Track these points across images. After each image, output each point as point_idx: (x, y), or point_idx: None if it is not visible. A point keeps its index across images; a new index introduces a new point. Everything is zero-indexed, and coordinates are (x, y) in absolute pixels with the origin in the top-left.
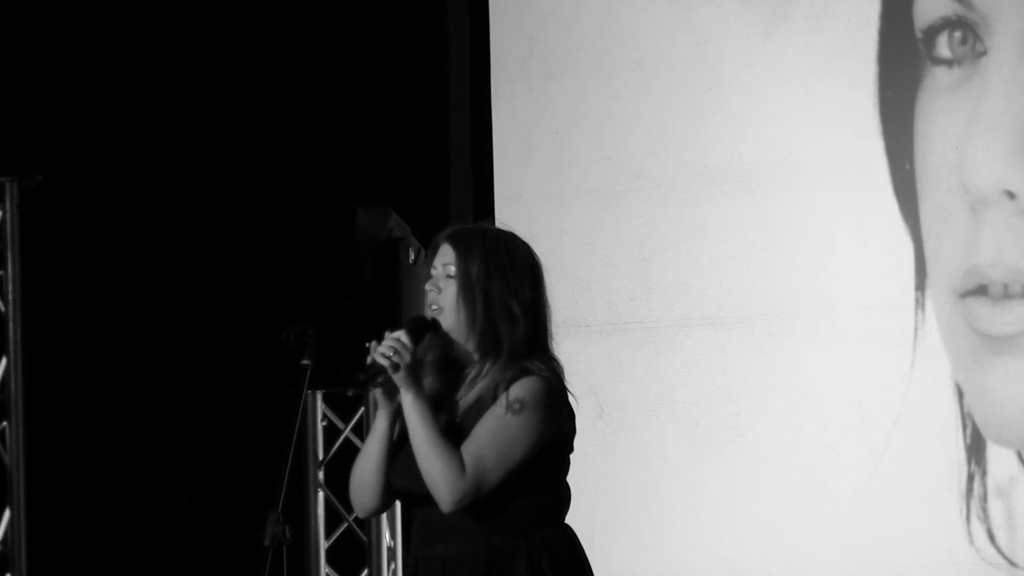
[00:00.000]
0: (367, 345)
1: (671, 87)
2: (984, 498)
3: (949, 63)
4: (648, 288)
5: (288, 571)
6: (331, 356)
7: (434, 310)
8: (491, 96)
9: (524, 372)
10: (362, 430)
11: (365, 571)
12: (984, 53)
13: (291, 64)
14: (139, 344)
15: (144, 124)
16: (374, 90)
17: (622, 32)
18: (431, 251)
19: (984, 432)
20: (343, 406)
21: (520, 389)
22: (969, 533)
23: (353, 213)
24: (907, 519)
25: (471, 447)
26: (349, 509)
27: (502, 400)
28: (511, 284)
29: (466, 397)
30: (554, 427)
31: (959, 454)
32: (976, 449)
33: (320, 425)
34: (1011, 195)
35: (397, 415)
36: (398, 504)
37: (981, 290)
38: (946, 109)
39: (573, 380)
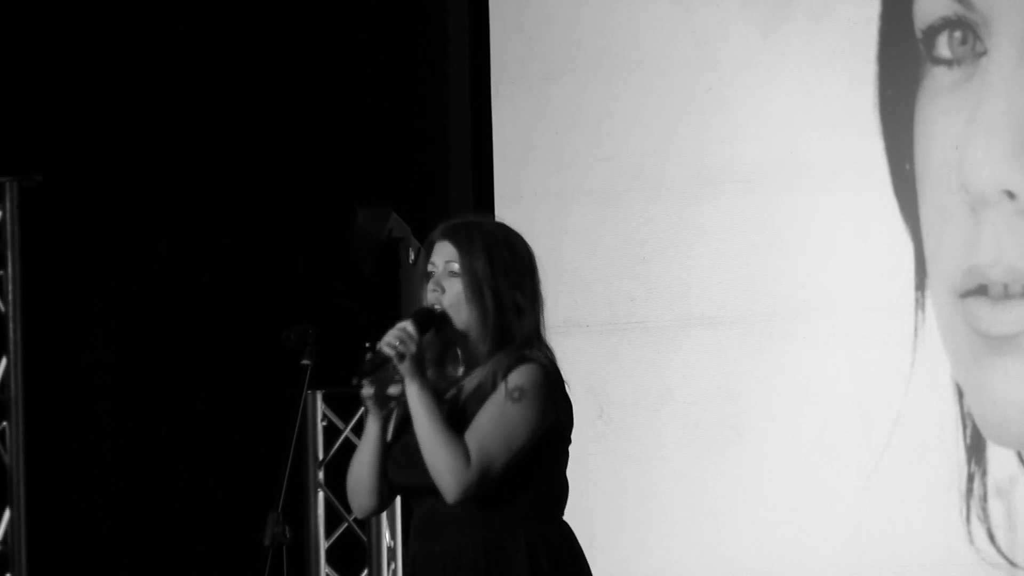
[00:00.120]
0: (367, 345)
1: (671, 87)
2: (984, 498)
3: (949, 63)
4: (648, 288)
5: (288, 571)
6: (331, 356)
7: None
8: (491, 96)
9: (522, 360)
10: (362, 430)
11: (365, 571)
12: (984, 53)
13: (291, 64)
14: (139, 344)
15: (144, 124)
16: (374, 90)
17: (622, 32)
18: (426, 248)
19: (984, 432)
20: (343, 406)
21: (519, 377)
22: (969, 533)
23: (353, 213)
24: (907, 519)
25: (474, 436)
26: (349, 509)
27: (501, 388)
28: (514, 277)
29: (466, 387)
30: (553, 414)
31: (959, 454)
32: (976, 449)
33: (320, 425)
34: (1011, 195)
35: (387, 419)
36: (398, 504)
37: (981, 290)
38: (946, 109)
39: (573, 380)
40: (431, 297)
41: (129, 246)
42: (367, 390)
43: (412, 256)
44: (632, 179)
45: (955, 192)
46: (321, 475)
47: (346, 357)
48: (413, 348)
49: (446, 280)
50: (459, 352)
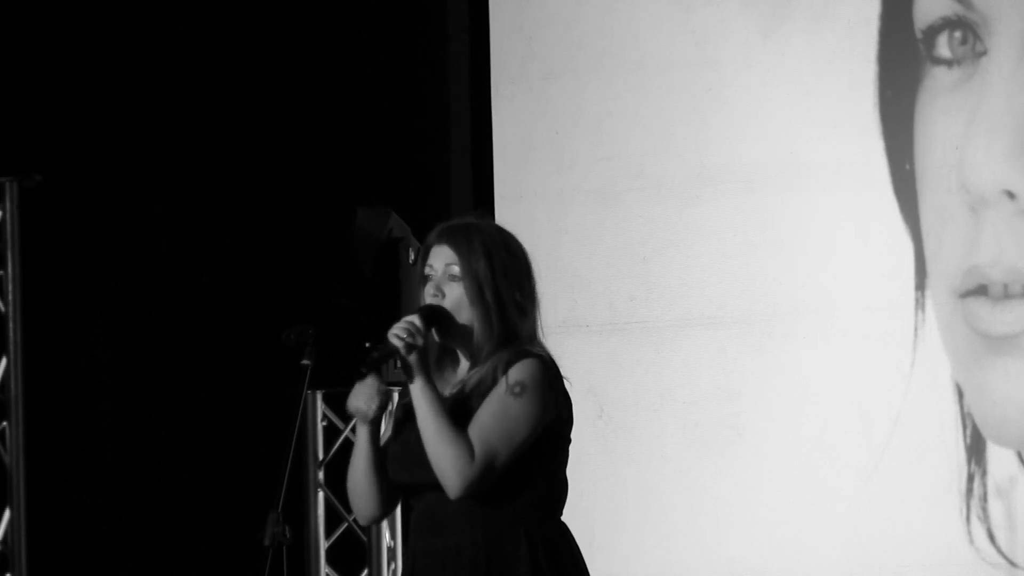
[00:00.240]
0: (367, 345)
1: (671, 87)
2: (984, 498)
3: (949, 63)
4: (648, 288)
5: (288, 571)
6: (331, 356)
7: None
8: (491, 96)
9: (522, 355)
10: None
11: (365, 571)
12: (984, 53)
13: (291, 64)
14: (139, 344)
15: (144, 124)
16: (374, 90)
17: (622, 32)
18: (424, 252)
19: (984, 432)
20: (343, 406)
21: (519, 372)
22: (969, 533)
23: (353, 213)
24: (907, 519)
25: (476, 431)
26: (349, 509)
27: (502, 383)
28: (513, 277)
29: (467, 384)
30: (554, 410)
31: (959, 454)
32: (976, 449)
33: (320, 425)
34: (1011, 195)
35: (376, 424)
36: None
37: (981, 290)
38: (946, 109)
39: (573, 380)
40: (431, 301)
41: (129, 246)
42: (356, 400)
43: (412, 256)
44: (632, 179)
45: (955, 192)
46: (321, 475)
47: (346, 357)
48: (421, 341)
49: (446, 284)
50: (459, 354)
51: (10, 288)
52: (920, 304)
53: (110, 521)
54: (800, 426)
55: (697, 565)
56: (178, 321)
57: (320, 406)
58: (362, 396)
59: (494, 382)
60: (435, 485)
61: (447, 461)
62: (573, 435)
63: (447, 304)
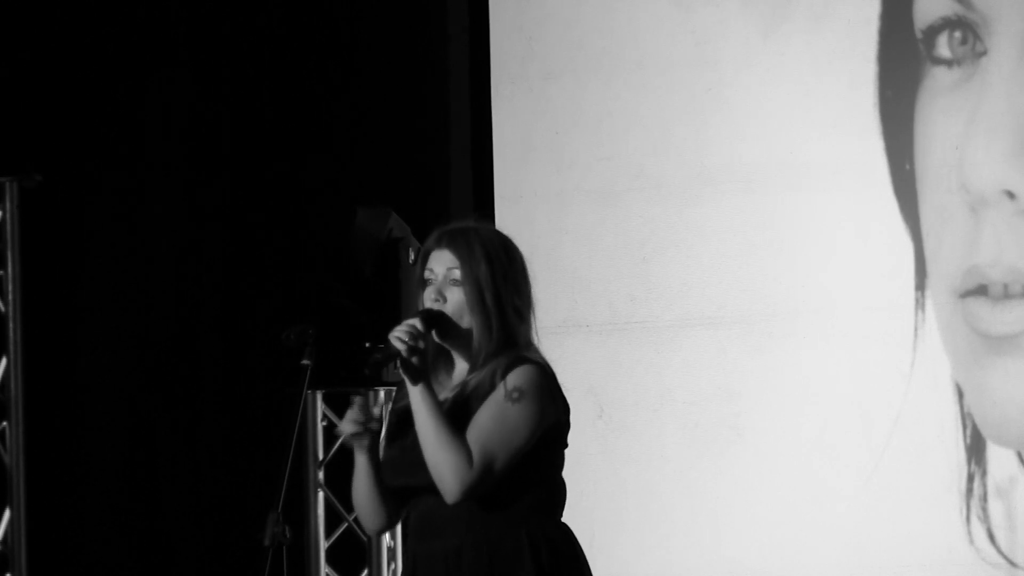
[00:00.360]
0: (367, 345)
1: (671, 87)
2: (984, 498)
3: (949, 63)
4: (648, 288)
5: (288, 571)
6: (331, 356)
7: None
8: (491, 96)
9: (519, 361)
10: None
11: (365, 571)
12: (984, 53)
13: (291, 64)
14: (139, 344)
15: (144, 124)
16: (374, 90)
17: (622, 32)
18: (423, 256)
19: (984, 432)
20: (343, 406)
21: (517, 377)
22: (969, 533)
23: (353, 213)
24: (907, 519)
25: (475, 436)
26: (349, 509)
27: (500, 389)
28: (512, 282)
29: (465, 390)
30: (553, 415)
31: (959, 454)
32: (976, 449)
33: (320, 425)
34: (1011, 195)
35: (371, 449)
36: None
37: (981, 290)
38: (946, 109)
39: (573, 380)
40: (432, 306)
41: (129, 246)
42: (346, 428)
43: (412, 256)
44: (632, 179)
45: (955, 192)
46: (321, 475)
47: (346, 357)
48: (422, 344)
49: (447, 288)
50: (455, 357)
51: (10, 288)
52: (920, 304)
53: (110, 521)
54: (800, 426)
55: (697, 565)
56: (178, 321)
57: (320, 406)
58: (350, 425)
59: (492, 388)
60: (432, 489)
61: (445, 465)
62: (573, 435)
63: (448, 308)
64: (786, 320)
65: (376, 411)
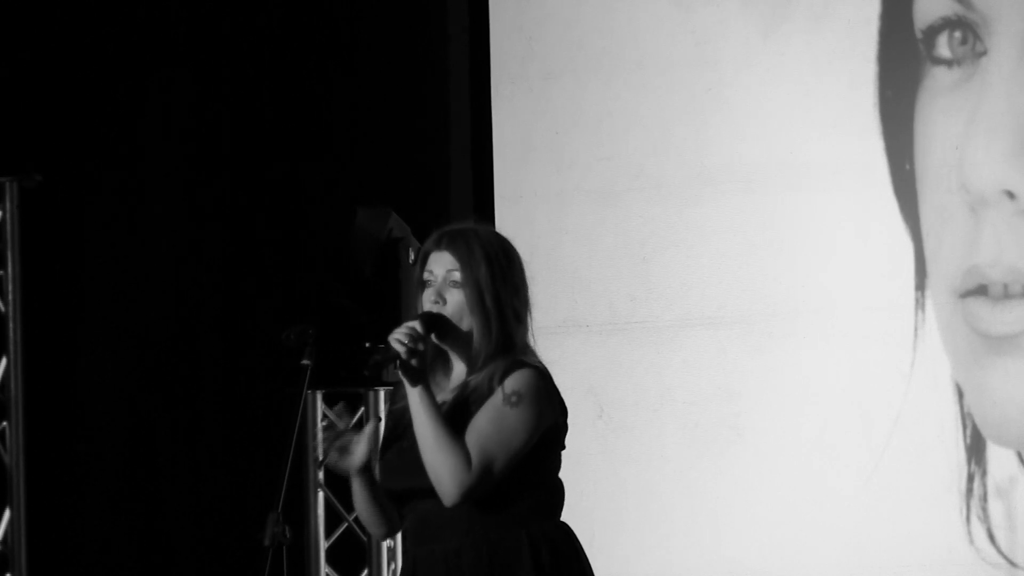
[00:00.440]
0: (367, 345)
1: (671, 87)
2: (984, 498)
3: (949, 63)
4: (648, 288)
5: (288, 571)
6: (331, 356)
7: None
8: (491, 96)
9: (517, 364)
10: (362, 429)
11: (365, 571)
12: (984, 53)
13: (291, 64)
14: (139, 344)
15: (144, 124)
16: (374, 90)
17: (622, 32)
18: (422, 257)
19: (984, 432)
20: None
21: (515, 381)
22: (969, 533)
23: (353, 213)
24: (907, 519)
25: (473, 440)
26: (349, 509)
27: (499, 393)
28: (511, 285)
29: (462, 393)
30: (551, 418)
31: (959, 454)
32: (976, 449)
33: (320, 425)
34: (1011, 195)
35: (365, 471)
36: None
37: (981, 290)
38: (946, 109)
39: (573, 380)
40: (432, 308)
41: (129, 246)
42: (335, 456)
43: (412, 256)
44: (632, 179)
45: (955, 192)
46: (321, 475)
47: (346, 357)
48: (422, 347)
49: (447, 290)
50: (453, 360)
51: (10, 288)
52: (920, 304)
53: (110, 521)
54: (800, 426)
55: (697, 565)
56: (178, 321)
57: (320, 406)
58: (335, 455)
59: (490, 392)
60: (431, 492)
61: (444, 468)
62: (573, 435)
63: (448, 310)
64: (786, 320)
65: (343, 424)
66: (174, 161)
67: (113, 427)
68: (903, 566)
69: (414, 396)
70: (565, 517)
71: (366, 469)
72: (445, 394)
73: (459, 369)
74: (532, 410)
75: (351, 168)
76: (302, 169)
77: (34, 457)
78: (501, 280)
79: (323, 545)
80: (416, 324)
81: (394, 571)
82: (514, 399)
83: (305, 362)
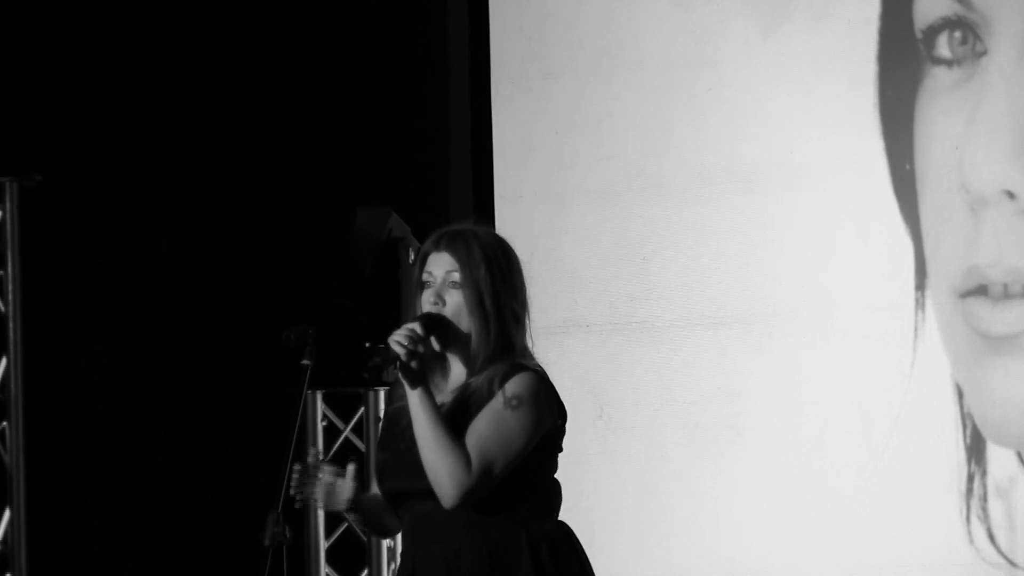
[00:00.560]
0: (367, 345)
1: (671, 87)
2: (984, 498)
3: (949, 63)
4: (648, 288)
5: (288, 571)
6: (331, 356)
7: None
8: (491, 96)
9: (518, 368)
10: (362, 430)
11: (365, 571)
12: (984, 53)
13: (291, 64)
14: (139, 344)
15: (144, 124)
16: (374, 90)
17: (622, 32)
18: (421, 258)
19: (984, 432)
20: (343, 406)
21: (516, 385)
22: (969, 533)
23: (353, 213)
24: (907, 519)
25: (473, 442)
26: None
27: (499, 396)
28: (510, 286)
29: (462, 395)
30: (550, 421)
31: (959, 454)
32: (976, 449)
33: (320, 425)
34: (1011, 195)
35: (354, 507)
36: None
37: (981, 290)
38: (946, 109)
39: (573, 380)
40: (431, 309)
41: (129, 246)
42: (321, 497)
43: (412, 256)
44: (632, 179)
45: (955, 192)
46: None
47: (346, 357)
48: (422, 349)
49: (446, 291)
50: (451, 361)
51: (10, 288)
52: (920, 304)
53: (110, 521)
54: (800, 426)
55: (697, 565)
56: (178, 321)
57: (320, 406)
58: (321, 495)
59: (490, 395)
60: (429, 493)
61: (444, 471)
62: (573, 435)
63: (447, 311)
64: (786, 320)
65: (314, 459)
66: (174, 161)
67: (113, 427)
68: (903, 566)
69: (414, 398)
70: (565, 517)
71: (354, 505)
72: (444, 395)
73: (457, 370)
74: (532, 414)
75: (351, 168)
76: (302, 169)
77: (34, 457)
78: (500, 281)
79: (323, 545)
80: (416, 326)
81: (394, 571)
82: (515, 403)
83: (305, 362)
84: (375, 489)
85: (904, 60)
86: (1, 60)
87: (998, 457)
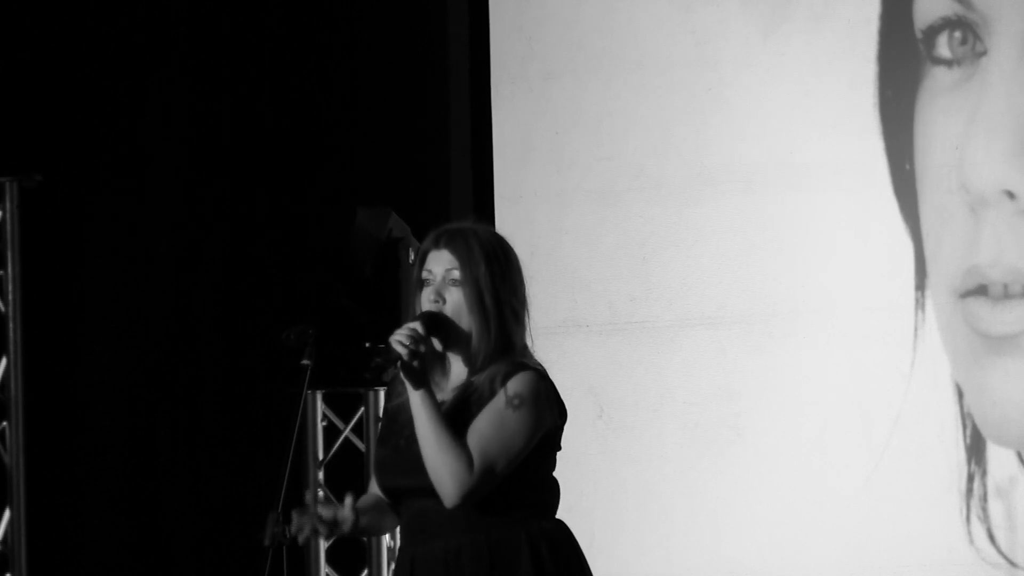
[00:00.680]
0: (367, 345)
1: (671, 87)
2: (984, 498)
3: (949, 63)
4: (648, 288)
5: (288, 571)
6: (331, 356)
7: None
8: (491, 96)
9: (519, 367)
10: (362, 430)
11: (365, 571)
12: (984, 53)
13: (291, 64)
14: (139, 344)
15: (144, 124)
16: (374, 90)
17: (622, 32)
18: (420, 256)
19: (984, 432)
20: (343, 406)
21: (517, 384)
22: (969, 533)
23: (353, 213)
24: (907, 519)
25: (475, 442)
26: None
27: (501, 395)
28: (510, 284)
29: (463, 394)
30: (551, 421)
31: (959, 454)
32: (976, 449)
33: (320, 425)
34: (1011, 195)
35: (357, 528)
36: None
37: (981, 290)
38: (946, 109)
39: (573, 380)
40: (431, 307)
41: (129, 246)
42: (326, 532)
43: (412, 256)
44: (632, 179)
45: (955, 192)
46: (321, 475)
47: (346, 357)
48: (423, 348)
49: (446, 289)
50: (451, 360)
51: (10, 288)
52: (920, 304)
53: (110, 521)
54: (800, 426)
55: (697, 565)
56: (178, 321)
57: (320, 406)
58: (326, 530)
59: (491, 394)
60: (428, 490)
61: (445, 469)
62: (573, 435)
63: (447, 310)
64: (786, 320)
65: (312, 502)
66: (174, 161)
67: (113, 427)
68: (903, 566)
69: (415, 398)
70: (565, 517)
71: (355, 530)
72: (444, 394)
73: (457, 369)
74: (533, 413)
75: (351, 168)
76: (302, 169)
77: (34, 457)
78: (500, 279)
79: (323, 545)
80: (417, 325)
81: (394, 571)
82: (516, 402)
83: (305, 362)
84: (373, 488)
85: (904, 60)
86: (1, 60)
87: (998, 457)
